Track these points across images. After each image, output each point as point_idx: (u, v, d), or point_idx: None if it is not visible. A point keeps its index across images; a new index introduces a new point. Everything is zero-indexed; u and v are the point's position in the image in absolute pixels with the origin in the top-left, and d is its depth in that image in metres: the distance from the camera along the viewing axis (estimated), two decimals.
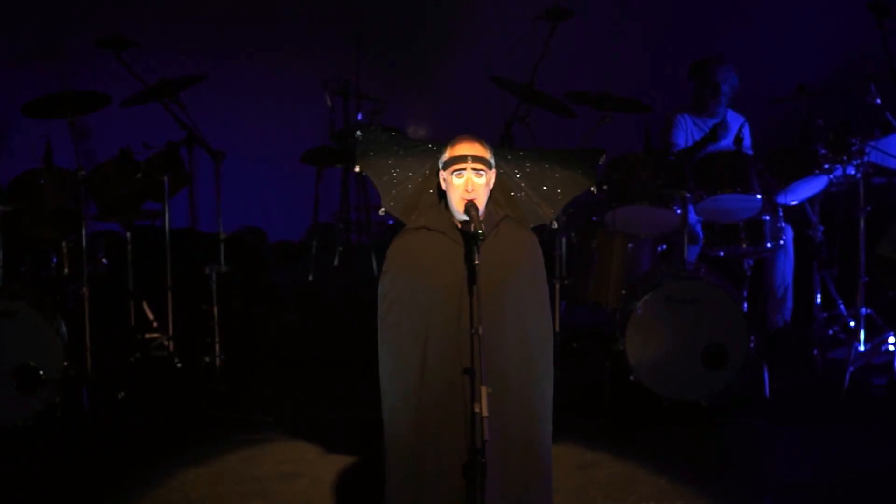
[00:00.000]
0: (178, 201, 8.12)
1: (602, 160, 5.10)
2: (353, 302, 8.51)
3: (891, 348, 7.70)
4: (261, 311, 8.62)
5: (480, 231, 4.74)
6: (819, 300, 7.97)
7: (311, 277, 8.91)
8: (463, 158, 4.86)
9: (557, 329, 7.72)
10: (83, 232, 7.54)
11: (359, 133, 5.14)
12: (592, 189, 5.05)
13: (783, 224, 7.82)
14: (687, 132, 8.20)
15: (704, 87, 8.18)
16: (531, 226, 5.08)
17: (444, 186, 4.93)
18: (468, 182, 4.86)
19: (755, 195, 7.48)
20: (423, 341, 4.87)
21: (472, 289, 4.73)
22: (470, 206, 4.83)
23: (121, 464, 6.67)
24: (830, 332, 8.01)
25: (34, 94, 7.89)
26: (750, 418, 7.20)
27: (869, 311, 7.70)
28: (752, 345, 7.30)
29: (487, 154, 4.90)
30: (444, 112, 9.52)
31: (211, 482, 6.42)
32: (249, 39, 9.48)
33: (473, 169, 4.86)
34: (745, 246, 7.72)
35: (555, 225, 5.12)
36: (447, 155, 4.90)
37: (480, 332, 4.66)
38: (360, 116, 9.19)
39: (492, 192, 4.96)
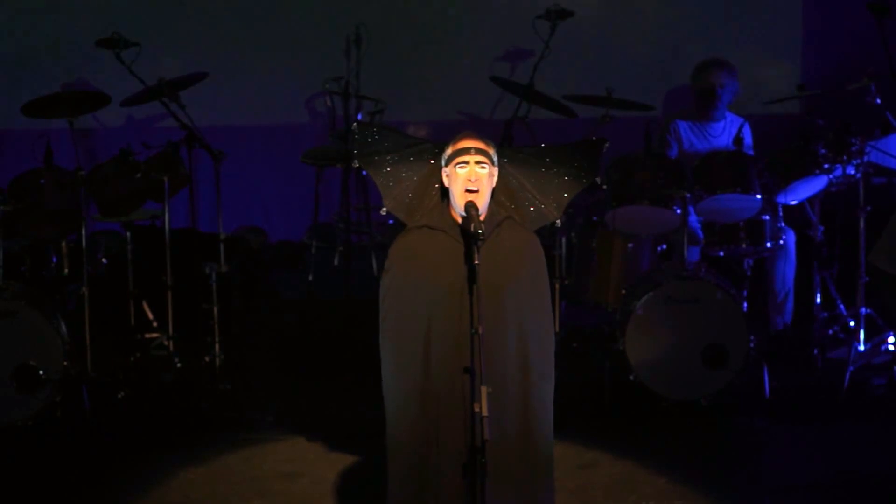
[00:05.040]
0: (178, 201, 8.11)
1: (606, 146, 5.10)
2: (354, 302, 8.51)
3: (891, 348, 7.69)
4: (261, 311, 8.62)
5: (480, 231, 4.75)
6: (819, 300, 7.96)
7: (311, 277, 8.91)
8: (466, 150, 4.88)
9: (557, 329, 7.72)
10: (83, 232, 7.55)
11: (355, 126, 5.16)
12: (597, 180, 5.07)
13: (784, 225, 7.81)
14: (680, 139, 8.20)
15: (703, 90, 8.17)
16: (535, 227, 5.09)
17: (446, 182, 4.94)
18: (471, 172, 4.87)
19: (755, 195, 7.48)
20: (425, 340, 4.88)
21: (473, 288, 4.73)
22: (470, 206, 4.85)
23: (121, 464, 6.67)
24: (830, 332, 8.01)
25: (34, 94, 7.89)
26: (750, 418, 7.20)
27: (869, 311, 7.70)
28: (752, 345, 7.30)
29: (490, 149, 4.91)
30: (444, 112, 9.52)
31: (211, 482, 6.42)
32: (249, 39, 9.48)
33: (477, 162, 4.88)
34: (745, 246, 7.72)
35: (559, 223, 5.13)
36: (450, 150, 4.92)
37: (481, 331, 4.67)
38: (360, 116, 9.19)
39: (495, 194, 4.97)
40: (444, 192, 4.98)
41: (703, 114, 8.22)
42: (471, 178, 4.88)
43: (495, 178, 4.96)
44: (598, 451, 6.72)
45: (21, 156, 7.91)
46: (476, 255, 4.74)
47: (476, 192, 4.88)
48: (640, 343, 7.29)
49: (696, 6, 9.59)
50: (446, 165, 4.93)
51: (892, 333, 7.72)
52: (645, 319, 7.29)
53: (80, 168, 7.53)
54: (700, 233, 7.83)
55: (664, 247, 8.02)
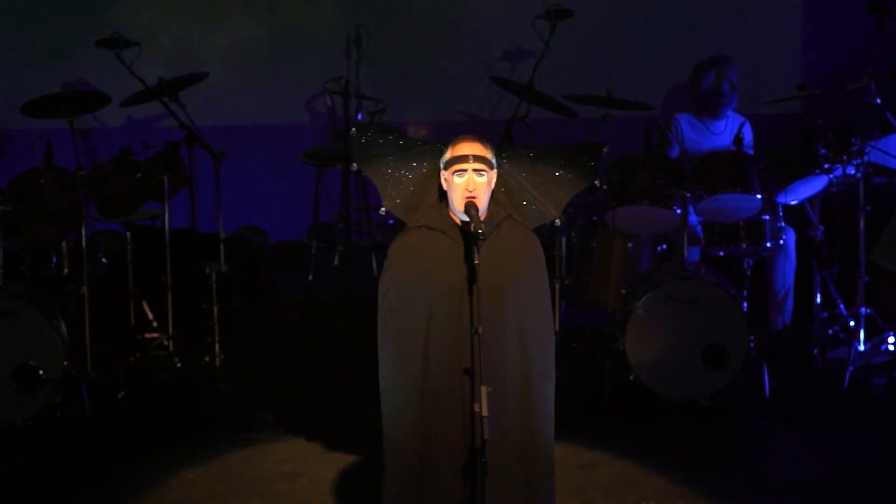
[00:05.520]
0: (178, 201, 8.11)
1: (605, 150, 5.10)
2: (353, 302, 8.51)
3: (891, 348, 7.69)
4: (261, 311, 8.62)
5: (480, 231, 4.75)
6: (819, 300, 7.96)
7: (311, 277, 8.91)
8: (464, 158, 4.87)
9: (557, 329, 7.72)
10: (83, 232, 7.55)
11: (353, 130, 5.16)
12: (596, 182, 5.06)
13: (784, 225, 7.82)
14: (682, 137, 8.19)
15: (714, 89, 8.16)
16: (534, 226, 5.08)
17: (445, 186, 4.94)
18: (469, 181, 4.87)
19: (755, 195, 7.48)
20: (424, 340, 4.87)
21: (472, 288, 4.73)
22: (470, 206, 4.84)
23: (121, 464, 6.67)
24: (830, 331, 8.01)
25: (34, 94, 7.89)
26: (750, 418, 7.20)
27: (869, 310, 7.70)
28: (752, 345, 7.30)
29: (489, 154, 4.90)
30: (444, 112, 9.52)
31: (211, 482, 6.42)
32: (249, 40, 9.48)
33: (475, 170, 4.87)
34: (745, 246, 7.72)
35: (558, 222, 5.12)
36: (448, 155, 4.91)
37: (481, 331, 4.67)
38: (359, 116, 9.19)
39: (494, 193, 4.97)
40: (443, 193, 4.98)
41: (711, 112, 8.19)
42: (469, 187, 4.87)
43: (494, 181, 4.95)
44: (598, 451, 6.71)
45: (21, 156, 7.92)
46: (476, 255, 4.74)
47: (474, 197, 4.87)
48: (640, 343, 7.29)
49: (696, 6, 9.59)
50: (445, 169, 4.92)
51: (892, 333, 7.72)
52: (645, 319, 7.29)
53: (80, 168, 7.53)
54: (700, 233, 7.83)
55: (664, 247, 8.02)
